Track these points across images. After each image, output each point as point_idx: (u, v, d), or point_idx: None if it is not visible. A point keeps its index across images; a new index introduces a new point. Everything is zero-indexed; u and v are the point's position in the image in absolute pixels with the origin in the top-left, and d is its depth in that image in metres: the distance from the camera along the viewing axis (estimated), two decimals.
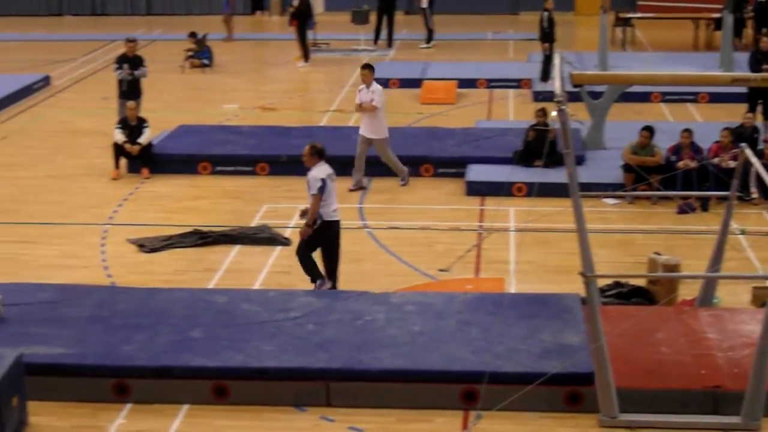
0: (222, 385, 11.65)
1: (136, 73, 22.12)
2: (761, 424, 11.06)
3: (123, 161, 20.22)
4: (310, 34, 31.79)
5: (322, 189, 13.80)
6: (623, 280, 14.07)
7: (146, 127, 20.34)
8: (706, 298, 13.52)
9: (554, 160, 18.34)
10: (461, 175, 19.34)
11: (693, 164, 18.02)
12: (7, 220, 17.87)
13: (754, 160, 12.26)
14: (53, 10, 42.44)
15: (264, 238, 16.58)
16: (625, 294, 13.88)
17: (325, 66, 30.89)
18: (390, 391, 11.58)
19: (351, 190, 18.90)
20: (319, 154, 14.08)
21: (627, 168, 18.34)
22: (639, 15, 35.72)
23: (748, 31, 32.33)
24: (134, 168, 20.25)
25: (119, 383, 11.71)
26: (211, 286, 14.95)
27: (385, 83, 27.40)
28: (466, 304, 13.19)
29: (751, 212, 17.73)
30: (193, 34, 31.08)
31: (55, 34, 37.67)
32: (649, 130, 18.63)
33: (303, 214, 14.20)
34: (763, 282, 14.13)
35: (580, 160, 18.99)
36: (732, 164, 17.05)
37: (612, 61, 26.65)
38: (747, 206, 17.81)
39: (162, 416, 11.47)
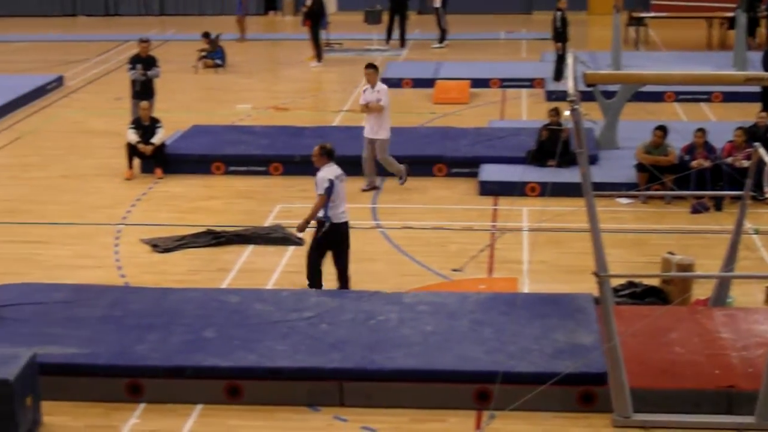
0: (235, 385, 11.66)
1: (150, 73, 22.16)
2: None
3: (136, 161, 20.25)
4: (323, 34, 31.79)
5: (329, 190, 13.80)
6: (637, 280, 14.05)
7: (159, 127, 20.37)
8: (720, 297, 13.49)
9: (567, 159, 18.31)
10: (474, 174, 19.33)
11: (706, 164, 17.99)
12: (21, 220, 17.91)
13: (767, 159, 12.23)
14: (67, 11, 42.53)
15: (277, 238, 16.59)
16: (638, 294, 13.86)
17: (338, 66, 30.90)
18: (403, 391, 11.58)
19: (364, 191, 18.91)
20: (328, 155, 14.07)
21: (640, 167, 18.30)
22: (652, 14, 35.67)
23: (762, 30, 32.33)
24: (147, 168, 20.29)
25: (132, 383, 11.72)
26: (224, 286, 14.97)
27: (397, 83, 27.58)
28: (479, 304, 13.18)
29: (765, 212, 17.68)
30: (206, 35, 31.12)
31: (68, 35, 37.76)
32: (662, 130, 18.60)
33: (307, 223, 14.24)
34: None
35: (593, 160, 18.96)
36: (746, 164, 17.03)
37: (625, 60, 26.63)
38: (761, 206, 17.76)
39: (175, 416, 11.48)
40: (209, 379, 11.71)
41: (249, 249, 16.38)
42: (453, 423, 11.31)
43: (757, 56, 25.79)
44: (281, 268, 15.57)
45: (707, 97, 25.56)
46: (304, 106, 26.17)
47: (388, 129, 18.95)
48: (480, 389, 11.42)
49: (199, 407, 11.63)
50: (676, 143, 18.67)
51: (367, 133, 18.95)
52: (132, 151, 20.14)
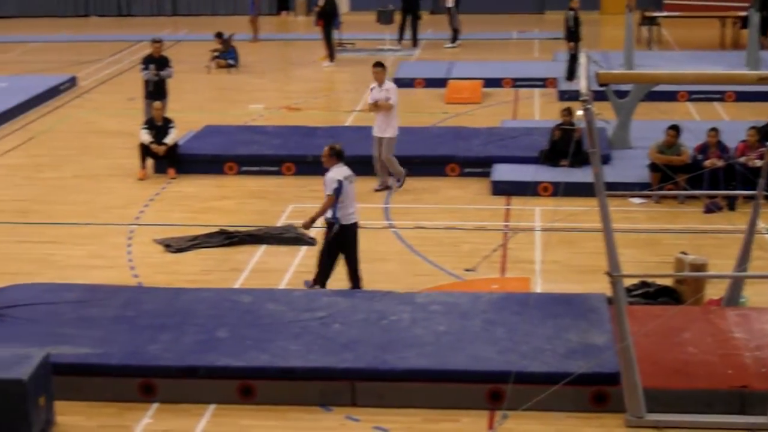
0: (248, 385, 11.66)
1: (162, 73, 22.20)
2: None
3: (149, 161, 20.28)
4: (335, 34, 31.82)
5: (338, 191, 13.80)
6: (650, 280, 14.02)
7: (172, 127, 20.40)
8: (733, 297, 13.46)
9: (580, 159, 18.31)
10: (487, 174, 19.32)
11: (720, 163, 17.95)
12: (34, 220, 17.95)
13: None
14: (79, 11, 42.66)
15: (290, 238, 16.60)
16: (651, 294, 13.84)
17: (351, 66, 30.91)
18: (415, 391, 11.58)
19: (377, 190, 18.90)
20: (337, 156, 14.08)
21: (653, 167, 18.28)
22: (665, 14, 35.64)
23: None
24: (160, 168, 20.32)
25: (145, 383, 11.74)
26: (236, 286, 14.98)
27: (410, 83, 27.62)
28: (492, 304, 13.17)
29: None
30: (219, 35, 31.15)
31: (81, 35, 37.85)
32: (675, 129, 18.57)
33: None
34: None
35: (606, 160, 18.96)
36: (759, 163, 16.99)
37: (638, 59, 26.60)
38: None
39: (188, 416, 11.49)
40: (222, 379, 11.72)
41: (262, 249, 16.40)
42: (465, 423, 11.30)
43: None
44: (294, 268, 15.57)
45: (720, 97, 25.52)
46: (316, 106, 26.18)
47: (395, 128, 18.92)
48: (493, 389, 11.41)
49: (211, 407, 11.64)
50: (689, 143, 18.64)
51: (375, 132, 18.94)
52: (145, 151, 20.18)
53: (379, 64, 19.09)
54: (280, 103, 26.41)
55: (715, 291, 13.86)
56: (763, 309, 13.40)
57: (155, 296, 13.62)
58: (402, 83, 27.74)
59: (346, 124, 23.99)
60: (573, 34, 26.47)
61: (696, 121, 22.92)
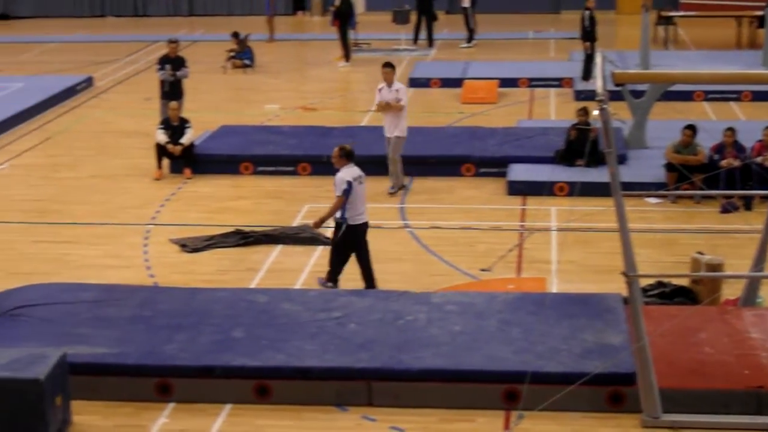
0: (264, 385, 11.68)
1: (178, 73, 22.24)
2: None
3: (165, 161, 20.32)
4: (351, 34, 31.83)
5: (348, 192, 13.84)
6: (666, 280, 14.00)
7: (188, 127, 20.43)
8: (750, 297, 13.43)
9: (596, 159, 18.28)
10: (503, 174, 19.31)
11: (736, 163, 17.91)
12: (51, 220, 18.00)
13: None
14: (96, 12, 42.75)
15: (305, 238, 16.61)
16: (667, 294, 13.81)
17: (366, 66, 30.90)
18: (431, 391, 11.58)
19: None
20: (347, 156, 14.13)
21: (669, 167, 18.24)
22: (681, 13, 35.54)
23: None
24: (176, 168, 20.35)
25: (162, 382, 11.76)
26: (252, 285, 15.00)
27: (426, 83, 27.63)
28: (508, 304, 13.16)
29: None
30: (236, 34, 31.19)
31: (97, 36, 37.94)
32: (691, 129, 18.54)
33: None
34: None
35: (622, 159, 18.92)
36: None
37: (654, 59, 26.55)
38: None
39: (204, 415, 11.51)
40: (238, 378, 11.74)
41: (277, 249, 16.41)
42: (481, 423, 11.30)
43: None
44: (309, 268, 15.58)
45: (737, 96, 25.47)
46: (332, 106, 26.20)
47: (404, 128, 18.85)
48: (508, 389, 11.41)
49: (227, 407, 11.66)
50: (706, 142, 18.60)
51: (388, 133, 18.88)
52: (161, 151, 20.22)
53: (388, 65, 19.03)
54: (296, 103, 26.43)
55: (731, 291, 13.84)
56: None
57: (171, 296, 13.65)
58: (418, 83, 27.86)
59: (362, 124, 23.99)
60: (589, 34, 26.43)
61: (712, 121, 22.86)
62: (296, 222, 17.53)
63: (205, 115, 24.05)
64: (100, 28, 40.11)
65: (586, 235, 16.52)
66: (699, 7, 36.26)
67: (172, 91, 22.12)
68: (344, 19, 30.93)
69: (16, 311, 13.05)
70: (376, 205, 18.03)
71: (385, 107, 18.78)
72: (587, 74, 26.25)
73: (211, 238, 16.73)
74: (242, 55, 30.93)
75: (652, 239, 16.38)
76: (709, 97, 25.31)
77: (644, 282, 13.62)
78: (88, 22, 41.37)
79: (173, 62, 22.30)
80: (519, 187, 18.71)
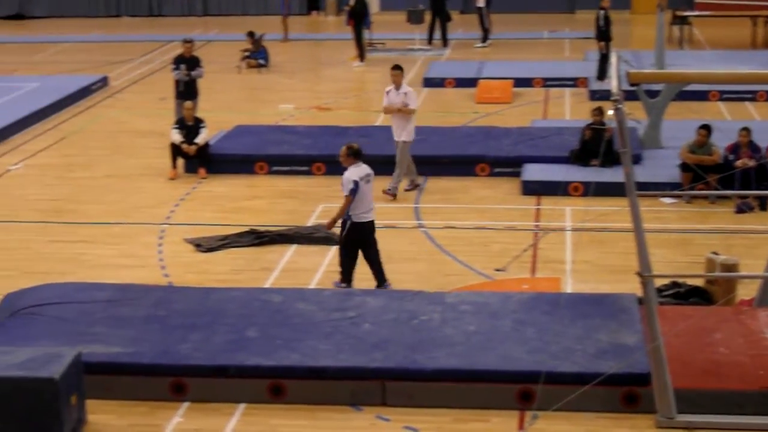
0: (278, 384, 11.69)
1: (193, 73, 22.27)
2: None
3: (180, 161, 20.35)
4: (366, 34, 31.83)
5: (354, 191, 13.87)
6: (681, 280, 13.98)
7: (203, 127, 20.46)
8: (765, 298, 13.37)
9: (611, 159, 18.26)
10: (517, 174, 19.29)
11: (751, 163, 17.88)
12: (66, 219, 18.04)
13: None
14: (111, 12, 42.85)
15: (320, 237, 16.61)
16: (682, 294, 13.79)
17: (381, 66, 30.83)
18: (445, 391, 11.57)
19: (406, 190, 18.90)
20: (355, 155, 14.16)
21: (684, 167, 18.21)
22: (696, 13, 35.49)
23: None
24: (191, 168, 20.38)
25: (176, 382, 11.78)
26: (267, 285, 15.01)
27: (440, 83, 27.62)
28: (522, 304, 13.15)
29: None
30: (251, 34, 31.21)
31: (112, 35, 38.02)
32: (706, 129, 18.50)
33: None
34: None
35: (637, 159, 18.91)
36: None
37: (669, 59, 26.39)
38: None
39: (219, 415, 11.52)
40: (252, 378, 11.75)
41: (292, 249, 16.42)
42: (496, 423, 11.29)
43: None
44: (324, 268, 15.59)
45: (752, 96, 25.42)
46: (346, 106, 26.21)
47: (411, 131, 18.70)
48: (523, 389, 11.40)
49: (242, 406, 11.67)
50: (721, 142, 18.57)
51: (396, 136, 18.73)
52: (176, 151, 20.24)
53: (397, 67, 18.93)
54: (311, 103, 26.45)
55: (746, 291, 13.80)
56: None
57: (186, 296, 13.66)
58: (432, 83, 27.86)
59: (377, 124, 23.98)
60: (604, 34, 26.41)
61: (727, 121, 22.83)
62: (311, 222, 17.53)
63: (220, 114, 24.09)
64: (115, 28, 40.19)
65: (601, 235, 16.50)
66: (714, 6, 36.19)
67: (186, 90, 22.15)
68: (359, 18, 30.95)
69: (31, 310, 13.08)
70: (390, 205, 18.07)
71: (395, 112, 18.66)
72: (602, 74, 26.24)
73: (226, 237, 16.75)
74: (257, 55, 30.96)
75: (667, 239, 16.35)
76: (724, 97, 25.28)
77: (659, 282, 13.59)
78: (103, 22, 41.46)
79: (188, 62, 22.33)
80: (533, 187, 18.70)
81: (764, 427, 11.02)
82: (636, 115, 20.67)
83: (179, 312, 13.05)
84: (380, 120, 24.30)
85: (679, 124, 20.97)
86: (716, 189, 17.55)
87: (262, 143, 21.13)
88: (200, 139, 20.29)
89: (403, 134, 18.60)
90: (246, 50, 31.08)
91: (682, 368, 11.45)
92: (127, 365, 11.86)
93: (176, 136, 20.27)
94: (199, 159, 20.25)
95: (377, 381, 11.63)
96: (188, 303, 13.33)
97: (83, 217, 18.10)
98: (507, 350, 11.95)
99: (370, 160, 14.58)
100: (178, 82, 22.34)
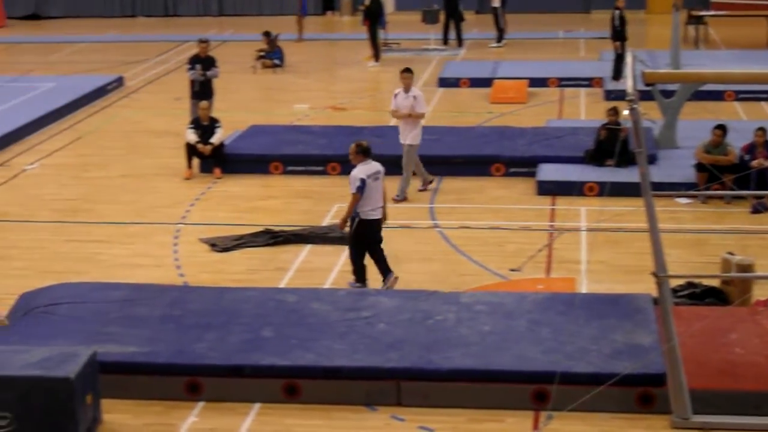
0: (293, 384, 11.69)
1: (208, 73, 22.30)
2: None
3: (195, 161, 20.37)
4: (380, 34, 31.82)
5: (361, 189, 13.93)
6: (696, 281, 13.94)
7: (218, 127, 20.48)
8: None
9: (626, 159, 18.23)
10: (532, 174, 19.28)
11: (767, 163, 17.83)
12: (81, 219, 18.08)
13: None
14: (126, 12, 42.91)
15: (335, 237, 16.61)
16: (698, 294, 13.76)
17: (396, 66, 30.66)
18: (460, 391, 11.57)
19: (420, 191, 18.89)
20: (364, 153, 14.25)
21: (700, 167, 18.17)
22: (712, 13, 35.40)
23: None
24: (206, 168, 20.40)
25: (191, 382, 11.79)
26: (282, 285, 15.02)
27: (455, 83, 27.62)
28: (537, 304, 13.14)
29: None
30: (267, 34, 31.23)
31: (128, 35, 38.08)
32: (722, 129, 18.46)
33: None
34: None
35: (652, 159, 18.86)
36: None
37: (684, 59, 26.42)
38: None
39: (233, 414, 11.54)
40: (267, 378, 11.76)
41: (306, 248, 16.43)
42: (510, 423, 11.28)
43: None
44: (338, 268, 15.59)
45: None
46: (361, 106, 26.22)
47: (417, 135, 18.60)
48: (538, 389, 11.40)
49: (257, 406, 11.68)
50: (736, 142, 18.53)
51: (403, 140, 18.61)
52: (191, 150, 20.27)
53: (407, 70, 18.88)
54: (326, 102, 26.46)
55: (762, 292, 13.77)
56: None
57: (201, 295, 13.68)
58: (447, 83, 27.86)
59: (391, 123, 23.95)
60: (619, 34, 26.38)
61: (743, 121, 22.78)
62: (325, 222, 17.54)
63: (235, 114, 24.12)
64: (130, 28, 40.25)
65: (616, 235, 16.48)
66: (730, 6, 36.09)
67: (202, 90, 22.19)
68: (374, 18, 30.94)
69: (46, 309, 13.12)
70: (405, 205, 18.08)
71: (405, 117, 18.57)
72: (617, 74, 26.19)
73: (241, 237, 16.77)
74: (272, 55, 30.99)
75: (683, 239, 16.32)
76: (739, 96, 25.21)
77: (674, 282, 13.57)
78: (118, 22, 41.54)
79: (203, 62, 22.36)
80: (548, 187, 18.68)
81: None
82: (651, 115, 20.62)
83: (194, 312, 13.08)
84: (395, 120, 24.20)
85: (695, 124, 20.93)
86: (732, 189, 17.52)
87: (277, 143, 21.14)
88: (215, 139, 20.32)
89: (408, 137, 18.54)
90: (261, 50, 31.11)
91: (698, 369, 11.43)
92: (142, 365, 11.88)
93: (191, 136, 20.29)
94: (215, 159, 20.28)
95: (392, 381, 11.63)
96: (203, 303, 13.36)
97: (99, 217, 18.14)
98: (522, 350, 11.94)
99: (384, 160, 14.60)
100: (193, 82, 22.38)
